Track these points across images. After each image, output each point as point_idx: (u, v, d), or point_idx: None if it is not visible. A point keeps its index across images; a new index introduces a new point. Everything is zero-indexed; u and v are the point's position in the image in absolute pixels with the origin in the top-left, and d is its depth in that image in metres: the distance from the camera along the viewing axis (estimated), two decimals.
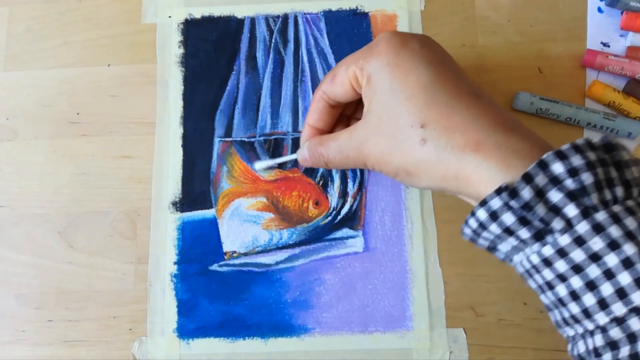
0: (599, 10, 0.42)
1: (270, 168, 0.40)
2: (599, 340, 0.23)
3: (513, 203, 0.23)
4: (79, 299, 0.38)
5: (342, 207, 0.39)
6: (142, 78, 0.42)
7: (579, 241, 0.23)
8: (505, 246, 0.25)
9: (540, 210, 0.23)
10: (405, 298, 0.37)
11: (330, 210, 0.39)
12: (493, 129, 0.26)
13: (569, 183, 0.23)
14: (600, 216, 0.22)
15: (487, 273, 0.38)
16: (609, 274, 0.22)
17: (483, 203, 0.24)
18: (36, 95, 0.42)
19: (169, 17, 0.43)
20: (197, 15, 0.43)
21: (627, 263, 0.22)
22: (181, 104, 0.41)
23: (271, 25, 0.43)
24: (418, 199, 0.39)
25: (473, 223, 0.26)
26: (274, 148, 0.40)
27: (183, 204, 0.40)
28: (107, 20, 0.43)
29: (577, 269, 0.23)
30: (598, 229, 0.22)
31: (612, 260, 0.22)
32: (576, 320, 0.24)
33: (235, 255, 0.39)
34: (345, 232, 0.39)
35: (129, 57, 0.43)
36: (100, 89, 0.42)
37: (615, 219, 0.22)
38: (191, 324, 0.38)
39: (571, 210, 0.23)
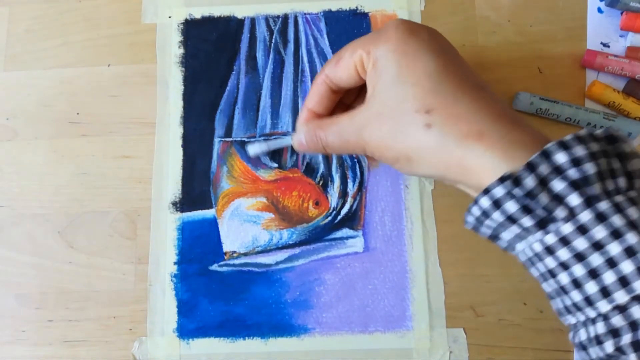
0: (599, 10, 0.42)
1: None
2: (600, 327, 0.23)
3: (516, 191, 0.24)
4: (79, 299, 0.38)
5: (342, 207, 0.39)
6: (142, 78, 0.42)
7: (582, 229, 0.23)
8: (507, 234, 0.25)
9: (544, 198, 0.23)
10: (405, 298, 0.37)
11: (330, 210, 0.39)
12: (496, 120, 0.26)
13: (572, 172, 0.23)
14: (603, 205, 0.22)
15: (487, 273, 0.38)
16: (611, 262, 0.22)
17: (486, 191, 0.25)
18: (36, 95, 0.42)
19: (169, 17, 0.43)
20: (197, 16, 0.43)
21: (629, 251, 0.22)
22: (181, 104, 0.41)
23: (271, 25, 0.43)
24: (418, 199, 0.39)
25: (476, 211, 0.26)
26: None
27: (183, 204, 0.40)
28: (107, 20, 0.43)
29: (580, 257, 0.23)
30: (601, 217, 0.22)
31: (614, 248, 0.22)
32: (578, 308, 0.24)
33: (235, 255, 0.39)
34: (345, 232, 0.39)
35: (129, 57, 0.43)
36: (100, 89, 0.42)
37: (618, 209, 0.22)
38: (191, 324, 0.38)
39: (574, 199, 0.23)
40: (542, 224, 0.24)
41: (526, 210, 0.24)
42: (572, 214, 0.23)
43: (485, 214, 0.25)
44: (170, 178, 0.40)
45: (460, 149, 0.26)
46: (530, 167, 0.24)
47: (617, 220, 0.22)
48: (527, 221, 0.24)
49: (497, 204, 0.24)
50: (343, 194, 0.39)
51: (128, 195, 0.40)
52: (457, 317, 0.37)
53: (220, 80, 0.42)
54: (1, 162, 0.41)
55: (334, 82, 0.32)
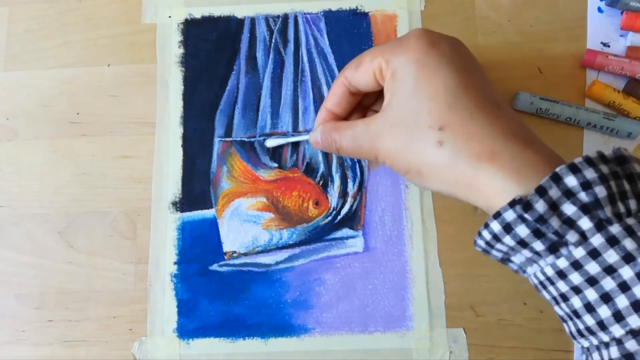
0: (599, 10, 0.42)
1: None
2: (614, 352, 0.23)
3: (527, 216, 0.24)
4: (79, 299, 0.38)
5: (342, 207, 0.39)
6: (142, 78, 0.42)
7: (594, 254, 0.23)
8: (519, 258, 0.26)
9: (555, 222, 0.23)
10: (405, 298, 0.37)
11: (330, 210, 0.39)
12: (510, 140, 0.26)
13: (583, 196, 0.23)
14: (615, 229, 0.22)
15: (487, 273, 0.38)
16: (624, 287, 0.22)
17: (497, 215, 0.25)
18: (36, 95, 0.42)
19: (169, 17, 0.43)
20: (197, 15, 0.43)
21: None
22: (181, 104, 0.41)
23: (271, 25, 0.43)
24: (418, 199, 0.39)
25: (486, 235, 0.26)
26: (274, 148, 0.40)
27: (183, 204, 0.40)
28: (107, 20, 0.43)
29: (592, 281, 0.23)
30: (612, 241, 0.22)
31: (627, 272, 0.22)
32: (591, 332, 0.24)
33: (235, 255, 0.39)
34: (345, 232, 0.39)
35: (129, 57, 0.43)
36: (100, 89, 0.42)
37: (630, 232, 0.22)
38: (191, 324, 0.38)
39: (585, 223, 0.23)
40: (554, 248, 0.24)
41: (537, 234, 0.24)
42: (583, 238, 0.23)
43: (496, 237, 0.25)
44: (170, 178, 0.40)
45: (472, 169, 0.26)
46: (541, 190, 0.23)
47: (628, 244, 0.22)
48: (538, 245, 0.24)
49: (508, 228, 0.24)
50: (343, 194, 0.39)
51: (128, 195, 0.40)
52: (457, 317, 0.37)
53: (220, 80, 0.42)
54: (1, 162, 0.41)
55: (353, 85, 0.32)
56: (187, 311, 0.38)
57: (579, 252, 0.23)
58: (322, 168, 0.40)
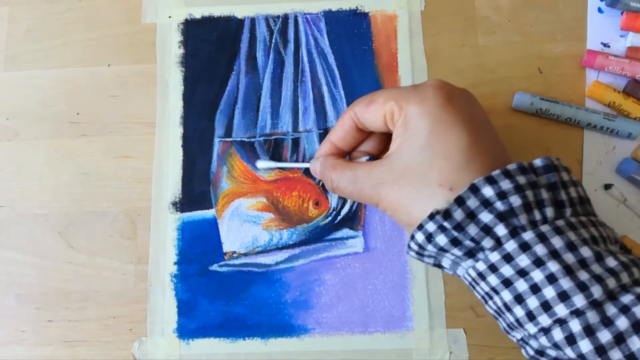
0: (599, 10, 0.42)
1: (271, 169, 0.40)
2: (533, 345, 0.25)
3: (446, 224, 0.25)
4: (79, 299, 0.38)
5: (342, 207, 0.39)
6: (142, 78, 0.42)
7: (507, 258, 0.24)
8: (446, 261, 0.28)
9: (472, 230, 0.25)
10: (405, 298, 0.37)
11: (330, 211, 0.39)
12: None
13: (499, 205, 0.24)
14: (527, 235, 0.24)
15: None
16: (534, 288, 0.24)
17: (420, 227, 0.26)
18: (36, 95, 0.42)
19: (169, 17, 0.43)
20: (197, 15, 0.43)
21: (551, 278, 0.23)
22: (181, 104, 0.41)
23: (271, 25, 0.43)
24: None
25: (414, 245, 0.27)
26: (274, 148, 0.40)
27: (183, 204, 0.40)
28: (107, 20, 0.43)
29: (507, 282, 0.24)
30: (524, 247, 0.24)
31: (537, 275, 0.24)
32: (513, 327, 0.26)
33: (235, 255, 0.39)
34: (345, 232, 0.39)
35: (129, 57, 0.43)
36: (100, 89, 0.42)
37: (542, 238, 0.24)
38: (191, 324, 0.38)
39: (500, 230, 0.24)
40: (471, 253, 0.26)
41: (455, 242, 0.25)
42: (498, 244, 0.25)
43: (421, 246, 0.27)
44: (170, 178, 0.40)
45: None
46: (459, 201, 0.25)
47: (539, 249, 0.24)
48: (457, 252, 0.26)
49: (429, 237, 0.26)
50: None
51: (128, 195, 0.40)
52: (457, 317, 0.37)
53: (220, 80, 0.42)
54: (1, 162, 0.41)
55: (361, 122, 0.31)
56: (187, 311, 0.38)
57: (494, 256, 0.25)
58: None
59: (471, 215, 0.25)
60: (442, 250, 0.26)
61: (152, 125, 0.41)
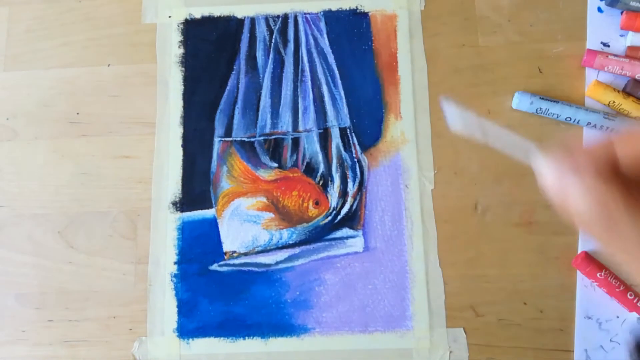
0: (599, 10, 0.42)
1: (281, 146, 0.37)
2: None
3: None
4: (79, 299, 0.38)
5: (342, 207, 0.39)
6: (142, 78, 0.42)
7: None
8: None
9: None
10: (405, 298, 0.37)
11: (330, 210, 0.39)
12: None
13: None
14: None
15: (487, 273, 0.38)
16: None
17: None
18: (36, 95, 0.42)
19: (169, 17, 0.43)
20: (197, 15, 0.43)
21: None
22: (181, 104, 0.41)
23: (271, 25, 0.43)
24: (418, 199, 0.39)
25: None
26: (274, 148, 0.40)
27: (183, 204, 0.40)
28: (107, 20, 0.43)
29: None
30: None
31: None
32: None
33: (235, 255, 0.39)
34: (345, 232, 0.39)
35: (129, 57, 0.42)
36: (100, 89, 0.42)
37: None
38: (191, 324, 0.38)
39: None
40: None
41: None
42: None
43: None
44: (170, 178, 0.40)
45: None
46: None
47: None
48: None
49: None
50: (343, 194, 0.39)
51: (128, 195, 0.40)
52: (457, 317, 0.37)
53: (220, 80, 0.41)
54: (1, 162, 0.41)
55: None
56: (187, 311, 0.38)
57: None
58: (322, 168, 0.40)
59: None
60: None
61: (152, 125, 0.41)
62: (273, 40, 0.42)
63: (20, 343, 0.38)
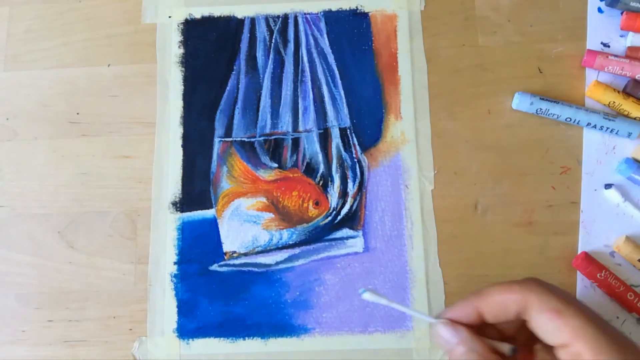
0: (599, 10, 0.42)
1: (281, 147, 0.38)
2: None
3: None
4: (79, 299, 0.38)
5: (342, 207, 0.39)
6: (142, 78, 0.42)
7: None
8: None
9: None
10: (405, 298, 0.37)
11: (330, 211, 0.39)
12: None
13: None
14: None
15: (487, 273, 0.38)
16: None
17: None
18: (36, 95, 0.42)
19: (169, 17, 0.43)
20: (197, 15, 0.43)
21: None
22: (181, 104, 0.41)
23: (271, 25, 0.43)
24: (418, 199, 0.39)
25: None
26: (274, 148, 0.40)
27: (183, 204, 0.40)
28: (107, 20, 0.43)
29: None
30: None
31: None
32: None
33: (235, 255, 0.39)
34: (345, 232, 0.39)
35: (129, 57, 0.43)
36: (100, 89, 0.42)
37: None
38: (191, 324, 0.38)
39: None
40: None
41: None
42: None
43: None
44: (170, 178, 0.40)
45: None
46: None
47: None
48: None
49: None
50: (343, 194, 0.39)
51: (128, 195, 0.40)
52: None
53: (220, 80, 0.42)
54: (1, 162, 0.41)
55: (532, 325, 0.27)
56: (187, 311, 0.38)
57: None
58: (322, 168, 0.40)
59: None
60: None
61: (152, 125, 0.41)
62: (273, 41, 0.42)
63: (20, 343, 0.38)
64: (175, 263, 0.39)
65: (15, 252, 0.39)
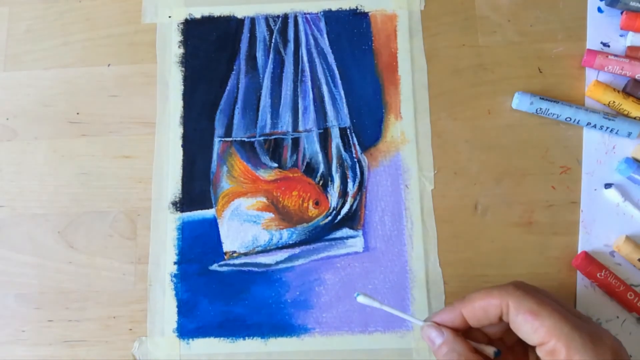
0: (599, 10, 0.42)
1: (281, 146, 0.39)
2: None
3: None
4: (79, 299, 0.38)
5: (342, 207, 0.39)
6: (142, 78, 0.42)
7: None
8: None
9: None
10: (405, 298, 0.37)
11: (330, 210, 0.39)
12: None
13: None
14: None
15: (487, 273, 0.38)
16: None
17: None
18: (36, 95, 0.42)
19: (169, 17, 0.43)
20: (197, 15, 0.43)
21: None
22: (181, 104, 0.41)
23: (271, 25, 0.43)
24: (418, 199, 0.39)
25: None
26: (274, 148, 0.40)
27: (183, 204, 0.40)
28: (107, 20, 0.43)
29: None
30: None
31: None
32: None
33: (235, 255, 0.39)
34: (345, 232, 0.39)
35: (129, 57, 0.43)
36: (100, 89, 0.42)
37: None
38: (191, 324, 0.38)
39: None
40: None
41: None
42: None
43: None
44: (170, 178, 0.40)
45: None
46: None
47: None
48: None
49: None
50: (343, 194, 0.39)
51: (128, 195, 0.40)
52: None
53: (220, 80, 0.42)
54: (1, 162, 0.41)
55: (513, 325, 0.29)
56: (187, 311, 0.38)
57: None
58: (322, 168, 0.40)
59: None
60: None
61: (152, 125, 0.41)
62: (273, 40, 0.42)
63: (20, 343, 0.38)
64: (175, 263, 0.39)
65: (15, 252, 0.39)
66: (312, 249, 0.38)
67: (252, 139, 0.40)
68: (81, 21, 0.43)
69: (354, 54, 0.42)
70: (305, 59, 0.42)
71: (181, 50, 0.42)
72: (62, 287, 0.39)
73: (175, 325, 0.38)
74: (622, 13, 0.40)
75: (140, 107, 0.42)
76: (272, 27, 0.42)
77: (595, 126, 0.38)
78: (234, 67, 0.42)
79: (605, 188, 0.38)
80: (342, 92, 0.41)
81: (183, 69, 0.42)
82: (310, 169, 0.40)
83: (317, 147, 0.40)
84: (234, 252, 0.39)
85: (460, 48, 0.42)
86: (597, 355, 0.27)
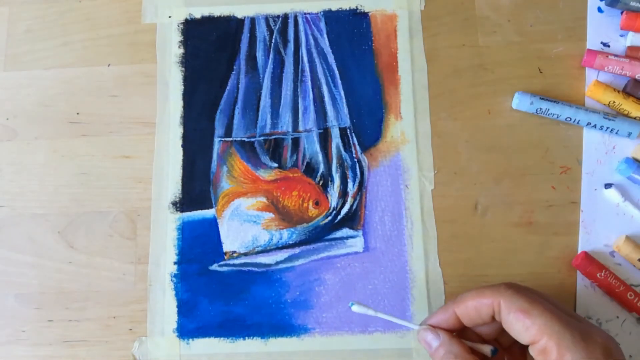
0: (599, 10, 0.42)
1: (281, 146, 0.39)
2: None
3: None
4: (79, 299, 0.38)
5: (342, 207, 0.39)
6: (142, 78, 0.42)
7: None
8: None
9: None
10: (405, 298, 0.37)
11: (330, 210, 0.39)
12: None
13: None
14: None
15: (487, 273, 0.38)
16: None
17: None
18: (36, 95, 0.42)
19: (169, 17, 0.43)
20: (197, 15, 0.43)
21: None
22: (181, 104, 0.41)
23: (271, 25, 0.43)
24: (418, 199, 0.39)
25: None
26: (274, 148, 0.40)
27: (183, 204, 0.40)
28: (107, 20, 0.43)
29: None
30: None
31: None
32: None
33: (235, 255, 0.39)
34: (345, 232, 0.39)
35: (129, 57, 0.43)
36: (100, 89, 0.42)
37: None
38: (191, 324, 0.38)
39: None
40: None
41: None
42: None
43: None
44: (170, 178, 0.40)
45: None
46: None
47: None
48: None
49: None
50: (343, 194, 0.39)
51: (128, 195, 0.40)
52: None
53: (220, 80, 0.42)
54: (1, 162, 0.41)
55: (505, 324, 0.30)
56: (187, 311, 0.38)
57: None
58: (322, 168, 0.40)
59: None
60: None
61: (152, 125, 0.41)
62: (273, 40, 0.42)
63: (20, 343, 0.38)
64: (175, 263, 0.39)
65: (15, 252, 0.39)
66: (312, 249, 0.38)
67: (252, 139, 0.40)
68: (81, 21, 0.43)
69: (354, 54, 0.42)
70: (305, 59, 0.42)
71: (181, 50, 0.42)
72: (62, 287, 0.39)
73: (175, 325, 0.38)
74: (622, 13, 0.40)
75: (140, 107, 0.42)
76: (272, 27, 0.42)
77: (595, 126, 0.38)
78: (234, 67, 0.42)
79: (605, 188, 0.38)
80: (342, 92, 0.41)
81: (183, 69, 0.42)
82: (310, 169, 0.40)
83: (317, 147, 0.40)
84: (234, 252, 0.39)
85: (460, 48, 0.42)
86: (588, 353, 0.27)
